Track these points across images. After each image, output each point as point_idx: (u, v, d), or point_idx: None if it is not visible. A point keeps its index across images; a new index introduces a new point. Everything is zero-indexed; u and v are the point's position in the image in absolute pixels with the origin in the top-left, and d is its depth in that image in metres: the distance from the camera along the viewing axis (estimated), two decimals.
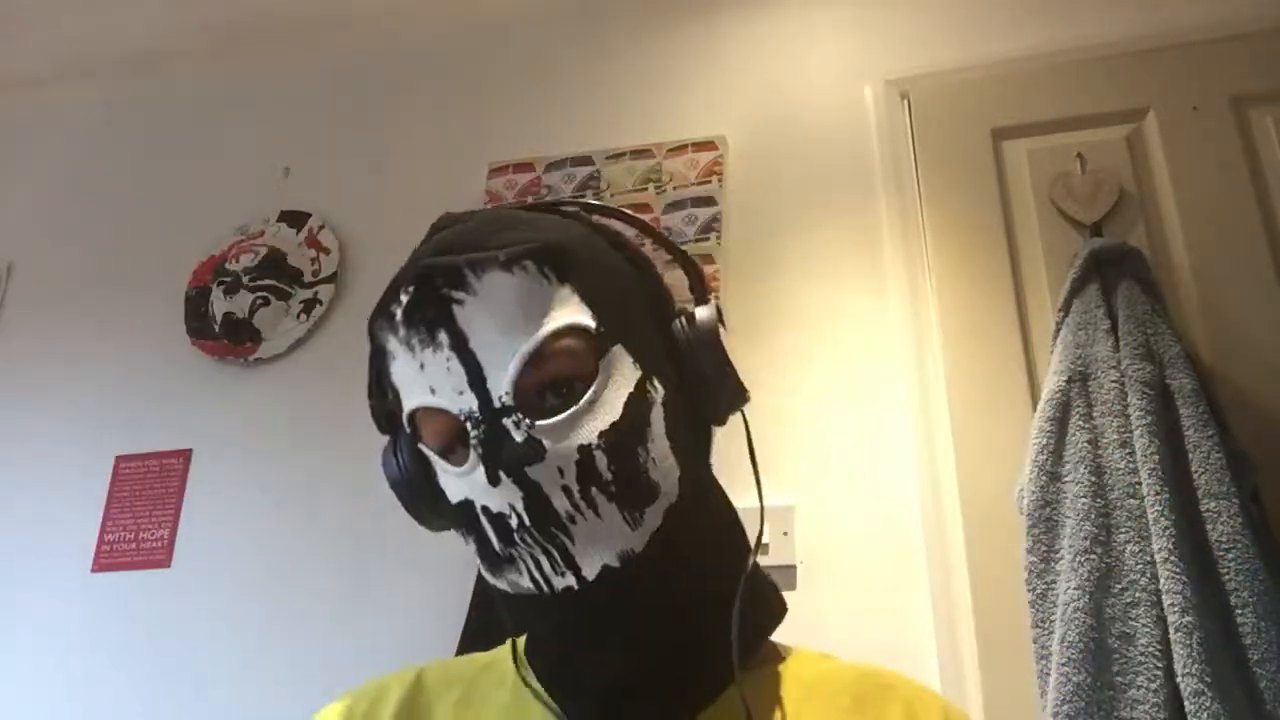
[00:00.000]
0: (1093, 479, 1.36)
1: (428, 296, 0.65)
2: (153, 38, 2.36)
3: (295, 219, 2.13)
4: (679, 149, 1.89)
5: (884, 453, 1.61)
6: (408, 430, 0.69)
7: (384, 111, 2.21)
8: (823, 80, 1.93)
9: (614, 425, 0.64)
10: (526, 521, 0.62)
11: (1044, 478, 1.39)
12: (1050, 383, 1.46)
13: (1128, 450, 1.36)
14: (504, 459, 0.62)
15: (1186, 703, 1.20)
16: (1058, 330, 1.51)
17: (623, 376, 0.66)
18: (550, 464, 0.62)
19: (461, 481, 0.66)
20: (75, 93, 2.47)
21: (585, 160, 1.93)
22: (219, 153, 2.29)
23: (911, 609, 1.50)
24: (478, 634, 1.57)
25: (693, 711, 0.66)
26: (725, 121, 1.94)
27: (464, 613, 1.60)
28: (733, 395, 0.72)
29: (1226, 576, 1.27)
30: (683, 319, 0.72)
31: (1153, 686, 1.23)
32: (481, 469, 0.63)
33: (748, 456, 0.75)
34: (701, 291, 0.75)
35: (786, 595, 0.79)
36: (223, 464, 1.95)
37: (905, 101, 1.85)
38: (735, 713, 0.66)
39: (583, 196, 1.90)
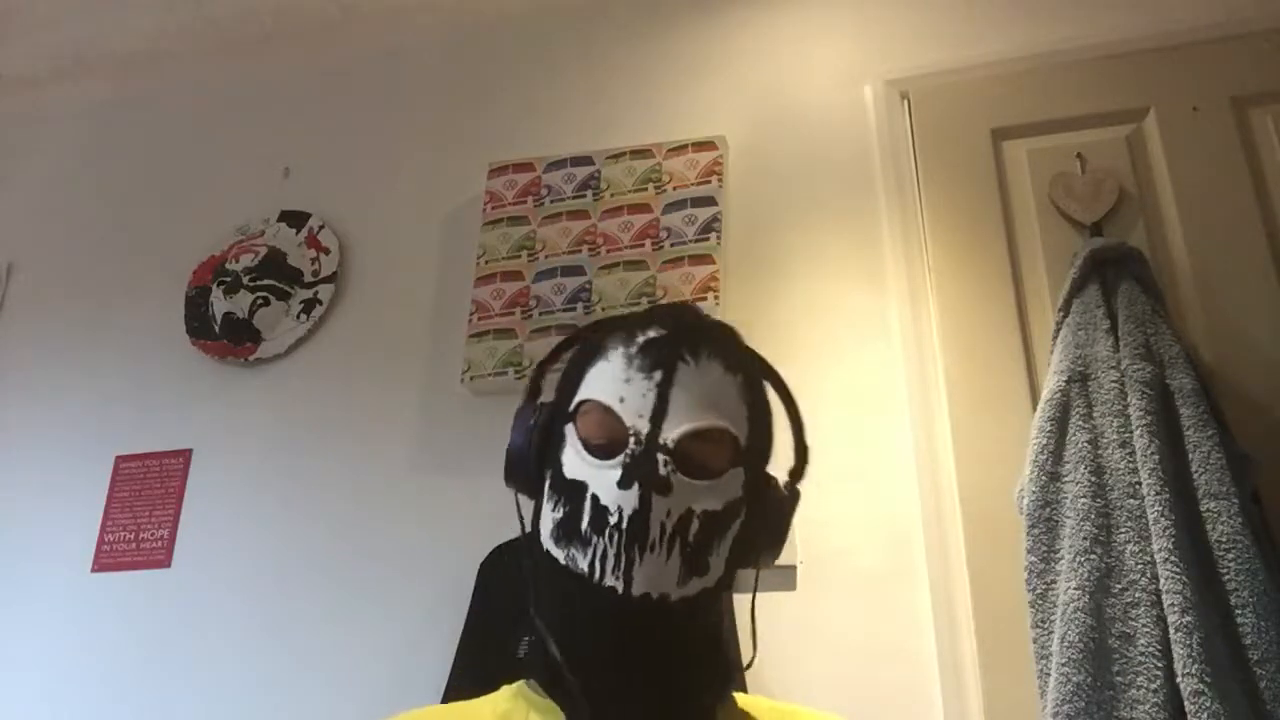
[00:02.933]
0: (1093, 479, 1.36)
1: (669, 343, 0.83)
2: (153, 38, 2.36)
3: (295, 219, 2.13)
4: (679, 149, 1.89)
5: (884, 453, 1.61)
6: (570, 409, 0.84)
7: (384, 111, 2.21)
8: (823, 80, 1.93)
9: (714, 512, 0.81)
10: (624, 525, 0.77)
11: (1044, 478, 1.39)
12: (1050, 383, 1.45)
13: (1128, 450, 1.36)
14: (645, 475, 0.78)
15: (1186, 703, 1.20)
16: (1058, 330, 1.51)
17: (734, 487, 0.83)
18: (668, 503, 0.78)
19: (589, 468, 0.80)
20: (75, 93, 2.47)
21: (585, 160, 1.93)
22: (219, 153, 2.29)
23: (911, 609, 1.50)
24: (478, 631, 1.57)
25: None
26: (725, 121, 1.94)
27: (464, 610, 1.60)
28: (770, 555, 0.89)
29: (1226, 576, 1.27)
30: (778, 491, 0.88)
31: (1153, 686, 1.23)
32: (621, 471, 0.79)
33: None
34: (800, 474, 0.91)
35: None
36: (223, 464, 1.95)
37: (905, 101, 1.84)
38: None
39: (583, 197, 1.90)
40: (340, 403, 1.93)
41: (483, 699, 0.87)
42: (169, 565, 1.88)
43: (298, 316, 2.03)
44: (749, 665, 0.87)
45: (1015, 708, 1.39)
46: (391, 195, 2.11)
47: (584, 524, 0.79)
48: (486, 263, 1.90)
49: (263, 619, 1.79)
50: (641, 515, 0.77)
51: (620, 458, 0.79)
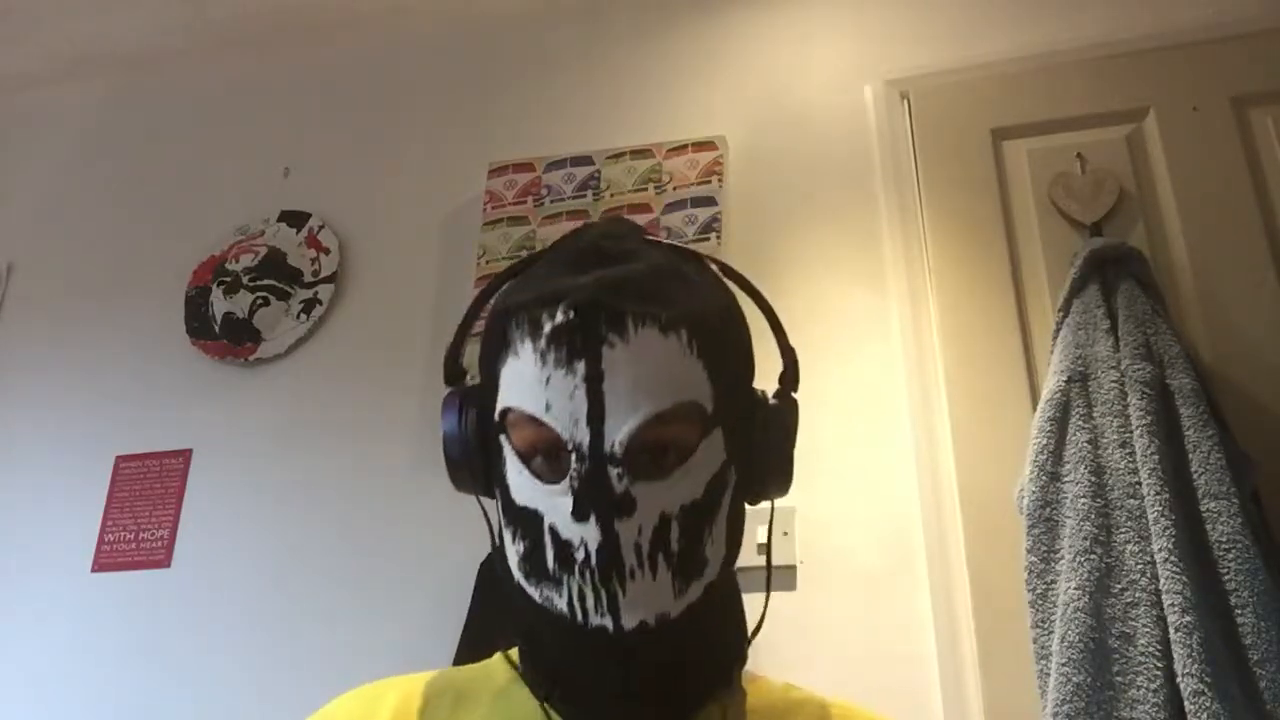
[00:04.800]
0: (1093, 479, 1.36)
1: (584, 327, 0.68)
2: (153, 38, 2.36)
3: (295, 219, 2.13)
4: (679, 149, 1.89)
5: (884, 453, 1.61)
6: (496, 420, 0.72)
7: (384, 111, 2.21)
8: (823, 80, 1.93)
9: (694, 502, 0.69)
10: (593, 563, 0.66)
11: (1044, 478, 1.39)
12: (1050, 383, 1.45)
13: (1128, 450, 1.36)
14: (599, 503, 0.66)
15: (1186, 703, 1.20)
16: (1058, 330, 1.51)
17: (713, 458, 0.70)
18: (635, 522, 0.66)
19: (538, 493, 0.69)
20: (75, 93, 2.47)
21: (585, 160, 1.93)
22: (219, 153, 2.29)
23: (911, 609, 1.50)
24: (478, 630, 1.57)
25: None
26: (725, 121, 1.94)
27: (464, 610, 1.60)
28: (781, 488, 0.77)
29: (1226, 576, 1.27)
30: (769, 406, 0.77)
31: (1153, 686, 1.23)
32: (571, 500, 0.67)
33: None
34: (792, 380, 0.80)
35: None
36: (223, 464, 1.95)
37: (905, 101, 1.84)
38: None
39: (583, 197, 1.90)
40: (340, 403, 1.93)
41: (478, 667, 0.80)
42: (169, 565, 1.88)
43: (298, 316, 2.03)
44: (758, 628, 0.76)
45: (1015, 708, 1.39)
46: (391, 195, 2.11)
47: (549, 562, 0.68)
48: (486, 263, 1.90)
49: (263, 619, 1.79)
50: (609, 547, 0.66)
51: (565, 482, 0.67)
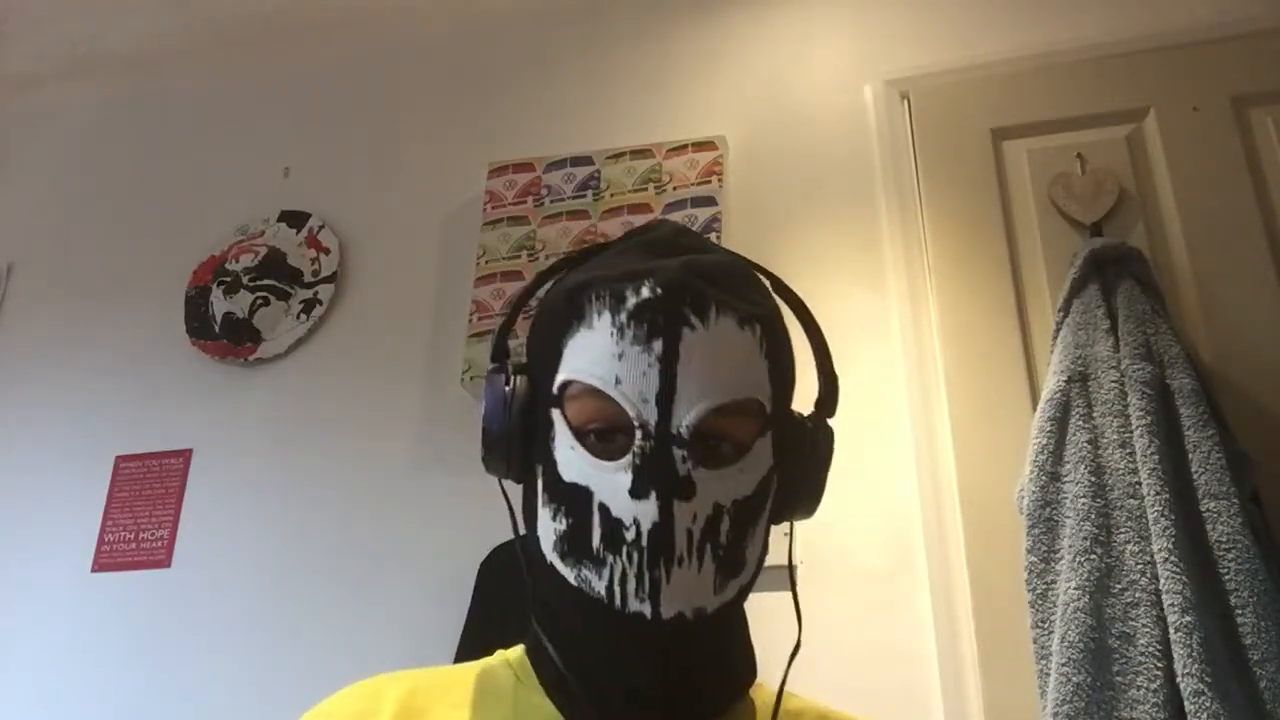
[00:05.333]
0: (1093, 479, 1.36)
1: (669, 304, 0.67)
2: (153, 38, 2.36)
3: (295, 219, 2.13)
4: (679, 149, 1.89)
5: (884, 453, 1.61)
6: (554, 393, 0.70)
7: (384, 111, 2.21)
8: (823, 80, 1.93)
9: (746, 499, 0.69)
10: (644, 543, 0.65)
11: (1044, 478, 1.39)
12: (1050, 383, 1.45)
13: (1128, 450, 1.36)
14: (662, 479, 0.65)
15: (1186, 703, 1.20)
16: (1058, 330, 1.51)
17: (764, 460, 0.70)
18: (692, 506, 0.65)
19: (592, 469, 0.67)
20: (75, 93, 2.47)
21: (585, 160, 1.93)
22: (219, 153, 2.29)
23: (911, 609, 1.50)
24: (479, 629, 1.57)
25: None
26: (725, 121, 1.94)
27: (464, 610, 1.61)
28: (810, 510, 0.77)
29: (1226, 576, 1.27)
30: (812, 426, 0.76)
31: (1153, 686, 1.23)
32: (631, 476, 0.66)
33: None
34: (831, 406, 0.79)
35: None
36: (223, 464, 1.95)
37: (905, 101, 1.84)
38: None
39: (583, 197, 1.90)
40: (340, 403, 1.93)
41: (477, 665, 0.78)
42: (169, 565, 1.88)
43: (298, 316, 2.03)
44: (796, 649, 0.74)
45: (1015, 708, 1.39)
46: (391, 195, 2.11)
47: (595, 541, 0.66)
48: (486, 263, 1.90)
49: (263, 619, 1.79)
50: (664, 528, 0.64)
51: (628, 457, 0.66)
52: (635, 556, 0.65)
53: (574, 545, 0.67)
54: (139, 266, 2.20)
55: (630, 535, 0.65)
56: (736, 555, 0.68)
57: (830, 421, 0.78)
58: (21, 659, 1.88)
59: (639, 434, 0.66)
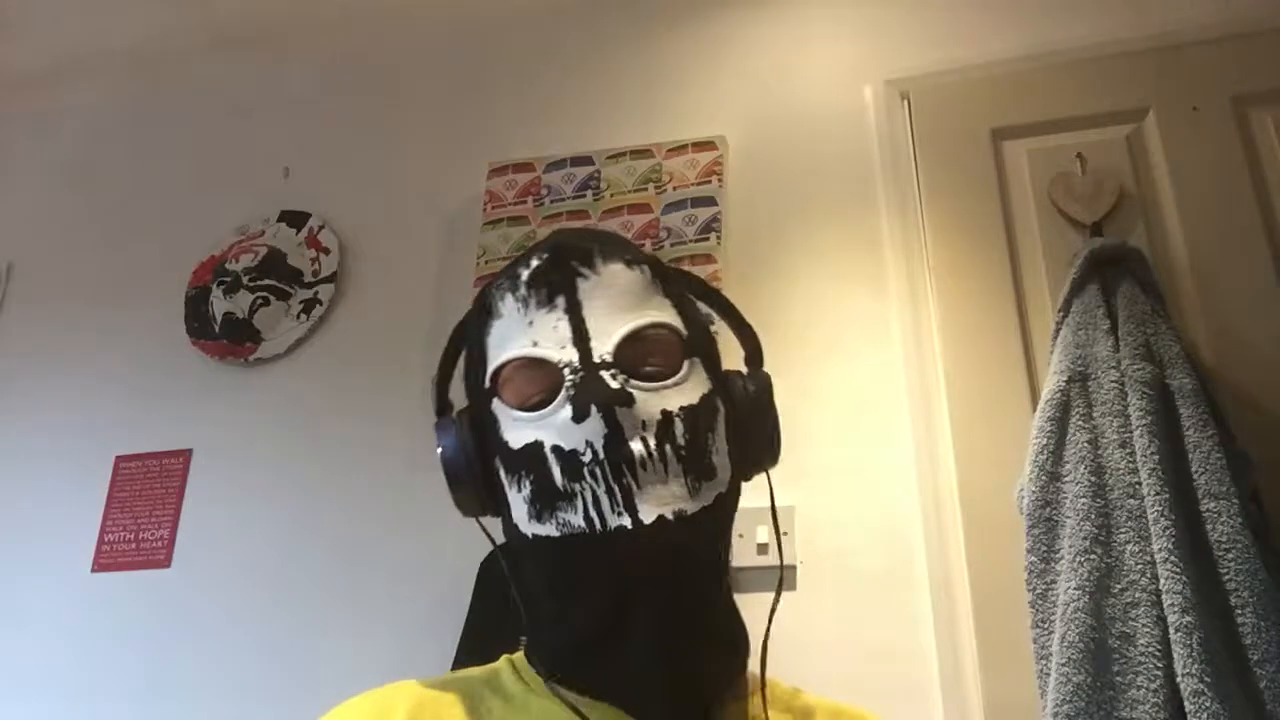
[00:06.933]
0: (1093, 479, 1.36)
1: (556, 265, 0.73)
2: (153, 38, 2.36)
3: (295, 219, 2.13)
4: (679, 149, 1.89)
5: (884, 453, 1.61)
6: (487, 386, 0.74)
7: (384, 111, 2.21)
8: (823, 80, 1.93)
9: (693, 406, 0.71)
10: (601, 456, 0.67)
11: (1044, 478, 1.39)
12: (1050, 383, 1.45)
13: (1128, 450, 1.36)
14: (597, 396, 0.67)
15: (1186, 703, 1.20)
16: (1058, 330, 1.51)
17: (700, 380, 0.73)
18: (636, 413, 0.68)
19: (534, 426, 0.70)
20: (75, 93, 2.47)
21: (585, 160, 1.93)
22: (219, 153, 2.29)
23: (911, 609, 1.50)
24: (477, 631, 1.57)
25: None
26: (725, 121, 1.94)
27: (463, 610, 1.60)
28: (773, 455, 0.78)
29: (1226, 576, 1.27)
30: (743, 377, 0.78)
31: (1153, 686, 1.23)
32: (569, 407, 0.68)
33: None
34: (758, 360, 0.81)
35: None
36: (223, 464, 1.95)
37: (905, 101, 1.84)
38: None
39: (583, 197, 1.90)
40: (340, 403, 1.93)
41: (484, 671, 0.79)
42: (169, 565, 1.88)
43: (298, 316, 2.03)
44: (778, 593, 0.75)
45: (1015, 708, 1.39)
46: (391, 195, 2.11)
47: (557, 480, 0.68)
48: (486, 263, 1.90)
49: (262, 619, 1.79)
50: (614, 435, 0.66)
51: (562, 393, 0.69)
52: (599, 472, 0.67)
53: (543, 498, 0.69)
54: (139, 266, 2.20)
55: (587, 457, 0.67)
56: (700, 459, 0.69)
57: (764, 370, 0.80)
58: (21, 659, 1.88)
59: (567, 373, 0.70)
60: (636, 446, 0.67)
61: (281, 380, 1.99)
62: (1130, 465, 1.35)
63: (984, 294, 1.65)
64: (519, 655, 0.78)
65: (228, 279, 2.07)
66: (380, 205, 2.11)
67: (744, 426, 0.75)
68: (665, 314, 0.74)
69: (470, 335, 0.78)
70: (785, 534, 1.56)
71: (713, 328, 0.82)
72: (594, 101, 2.06)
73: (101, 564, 1.92)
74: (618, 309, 0.72)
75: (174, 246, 2.18)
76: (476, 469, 0.75)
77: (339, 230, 2.10)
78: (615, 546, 0.66)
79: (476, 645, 1.55)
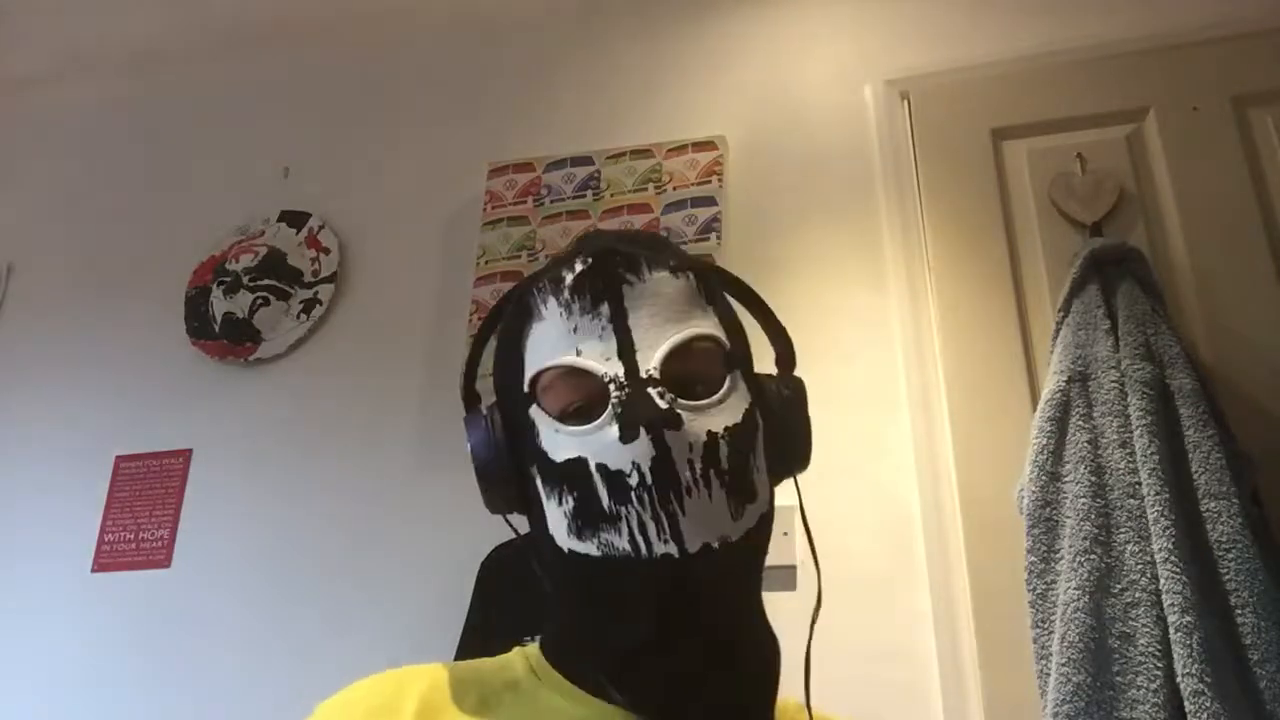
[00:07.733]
0: (1093, 479, 1.36)
1: (603, 271, 0.72)
2: (153, 38, 2.36)
3: (295, 219, 2.13)
4: (679, 149, 1.89)
5: (884, 453, 1.61)
6: (526, 390, 0.73)
7: (384, 111, 2.21)
8: (823, 80, 1.93)
9: (737, 425, 0.70)
10: (649, 481, 0.66)
11: (1044, 478, 1.39)
12: (1050, 383, 1.45)
13: (1128, 450, 1.36)
14: (645, 418, 0.66)
15: (1186, 703, 1.20)
16: (1058, 330, 1.50)
17: (740, 395, 0.73)
18: (684, 436, 0.67)
19: (579, 439, 0.69)
20: (75, 93, 2.47)
21: (585, 160, 1.93)
22: (219, 153, 2.29)
23: (911, 609, 1.50)
24: (479, 630, 1.57)
25: None
26: (725, 121, 1.94)
27: (464, 610, 1.60)
28: (805, 458, 0.79)
29: (1226, 576, 1.27)
30: (777, 382, 0.79)
31: (1153, 686, 1.23)
32: (615, 426, 0.67)
33: None
34: (790, 364, 0.82)
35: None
36: (223, 464, 1.95)
37: (905, 101, 1.84)
38: None
39: (583, 197, 1.90)
40: (340, 403, 1.93)
41: (497, 662, 0.78)
42: (169, 565, 1.88)
43: (298, 316, 2.03)
44: (818, 605, 0.78)
45: (1015, 708, 1.39)
46: (391, 195, 2.11)
47: (604, 502, 0.67)
48: (486, 263, 1.90)
49: (262, 619, 1.79)
50: (663, 460, 0.66)
51: (608, 411, 0.68)
52: (645, 498, 0.66)
53: (586, 516, 0.68)
54: (139, 266, 2.20)
55: (634, 480, 0.66)
56: (744, 481, 0.69)
57: (797, 374, 0.81)
58: (21, 659, 1.88)
59: (613, 388, 0.68)
60: (684, 473, 0.66)
61: (281, 380, 1.99)
62: (1130, 465, 1.35)
63: (984, 294, 1.65)
64: (532, 648, 0.77)
65: (228, 279, 2.07)
66: (380, 205, 2.11)
67: (778, 436, 0.76)
68: (709, 325, 0.73)
69: (507, 333, 0.77)
70: (785, 534, 1.56)
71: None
72: (594, 101, 2.06)
73: (101, 564, 1.92)
74: (663, 320, 0.71)
75: (174, 246, 2.18)
76: (510, 470, 0.74)
77: (339, 230, 2.10)
78: (658, 572, 0.66)
79: (478, 645, 1.55)
